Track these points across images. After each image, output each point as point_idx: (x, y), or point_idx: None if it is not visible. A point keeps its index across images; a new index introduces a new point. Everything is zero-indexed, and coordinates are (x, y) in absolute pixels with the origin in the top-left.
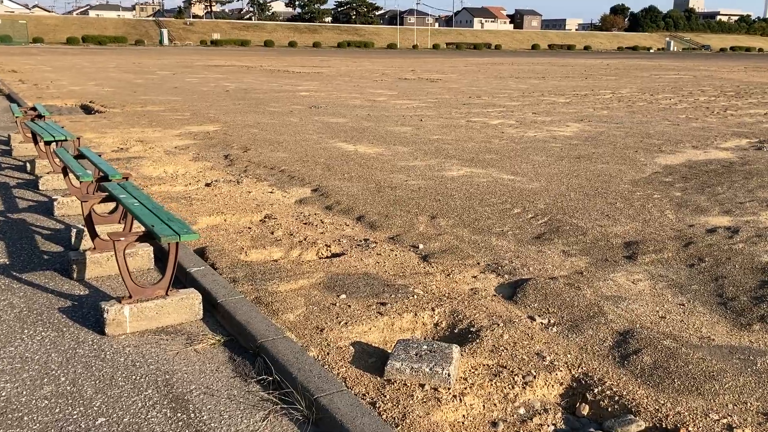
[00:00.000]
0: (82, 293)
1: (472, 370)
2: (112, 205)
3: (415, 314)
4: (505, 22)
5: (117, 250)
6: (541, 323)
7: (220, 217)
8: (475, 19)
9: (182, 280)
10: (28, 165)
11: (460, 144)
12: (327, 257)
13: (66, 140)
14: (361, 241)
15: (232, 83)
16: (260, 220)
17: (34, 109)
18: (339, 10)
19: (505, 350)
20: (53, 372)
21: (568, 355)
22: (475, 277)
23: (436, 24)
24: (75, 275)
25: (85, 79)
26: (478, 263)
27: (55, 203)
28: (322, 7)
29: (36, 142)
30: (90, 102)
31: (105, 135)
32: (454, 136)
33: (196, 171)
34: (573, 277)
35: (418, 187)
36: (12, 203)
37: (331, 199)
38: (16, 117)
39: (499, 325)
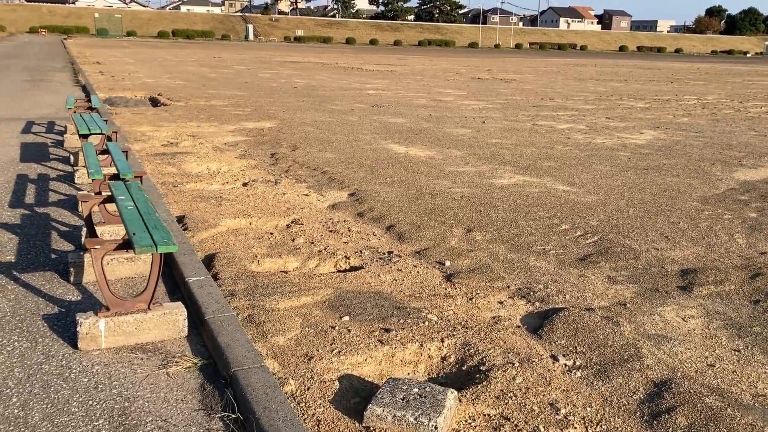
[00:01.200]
0: (72, 299)
1: (469, 422)
2: None
3: (421, 345)
4: (592, 23)
5: (94, 258)
6: (564, 365)
7: (246, 220)
8: (561, 19)
9: (181, 290)
10: (71, 157)
11: (519, 149)
12: (343, 271)
13: (101, 133)
14: (384, 253)
15: (302, 80)
16: (286, 225)
17: (88, 100)
18: (422, 8)
19: (513, 397)
20: (7, 391)
21: (588, 409)
22: (501, 302)
23: (521, 23)
24: (72, 278)
25: (162, 72)
26: (508, 286)
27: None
28: (405, 5)
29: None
30: (158, 94)
31: (160, 128)
32: (514, 141)
33: (238, 169)
34: (613, 309)
35: (460, 196)
36: (43, 196)
37: (365, 205)
38: (68, 108)
39: (514, 364)
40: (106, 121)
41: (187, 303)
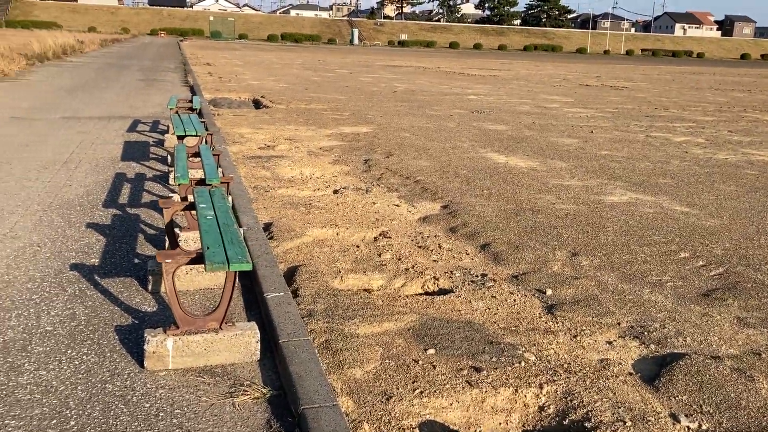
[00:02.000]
0: (147, 310)
1: None
2: None
3: (516, 390)
4: (711, 29)
5: (165, 272)
6: (687, 428)
7: (333, 230)
8: (677, 25)
9: (259, 305)
10: (169, 157)
11: (631, 163)
12: (431, 293)
13: (197, 135)
14: (477, 276)
15: (402, 84)
16: (373, 238)
17: (190, 101)
18: (529, 12)
19: None
20: (66, 413)
21: None
22: (610, 342)
23: (633, 29)
24: (150, 287)
25: (267, 74)
26: (619, 323)
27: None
28: (511, 9)
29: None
30: (261, 97)
31: (259, 131)
32: (626, 153)
33: (331, 175)
34: (745, 360)
35: (565, 213)
36: (136, 196)
37: (459, 219)
38: (170, 108)
39: (625, 422)
40: (203, 122)
41: (263, 321)
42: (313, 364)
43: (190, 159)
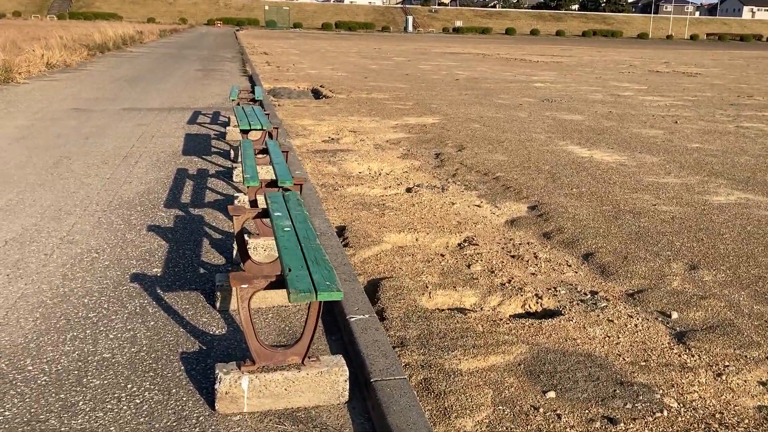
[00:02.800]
0: (216, 332)
1: None
2: None
3: None
4: None
5: (240, 298)
6: None
7: (412, 235)
8: (745, 8)
9: (340, 329)
10: (232, 152)
11: (730, 157)
12: (534, 314)
13: (262, 129)
14: (586, 293)
15: (463, 71)
16: (457, 245)
17: (252, 91)
18: None
19: None
20: None
21: None
22: (764, 383)
23: (697, 12)
24: (218, 304)
25: (324, 63)
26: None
27: (235, 202)
28: None
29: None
30: (321, 86)
31: (321, 123)
32: (719, 146)
33: (401, 171)
34: None
35: (671, 217)
36: (199, 195)
37: (552, 223)
38: (232, 99)
39: None
40: (267, 115)
41: (346, 348)
42: (414, 414)
43: (257, 156)
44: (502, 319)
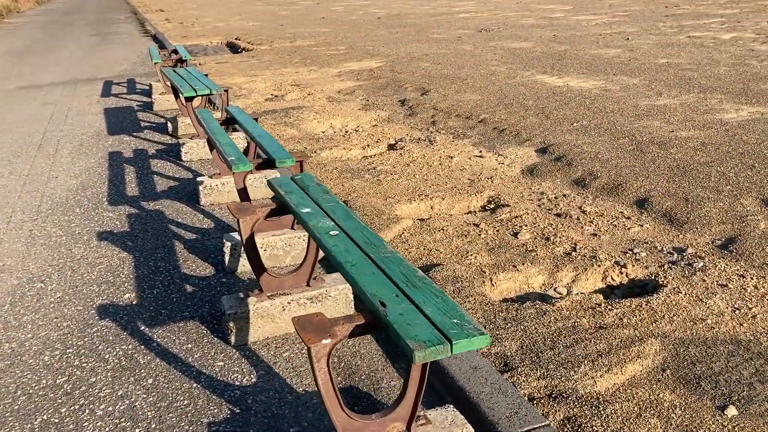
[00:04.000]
0: (246, 382)
1: None
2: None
3: None
4: None
5: (314, 356)
6: None
7: (425, 202)
8: None
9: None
10: (169, 125)
11: (708, 70)
12: (625, 287)
13: (211, 94)
14: (670, 252)
15: (381, 9)
16: (483, 207)
17: (175, 52)
18: None
19: None
20: None
21: None
22: None
23: None
24: (233, 338)
25: (230, 14)
26: None
27: (200, 188)
28: None
29: (176, 95)
30: (236, 39)
31: (255, 78)
32: (689, 59)
33: (370, 125)
34: None
35: (700, 143)
36: (148, 183)
37: (578, 167)
38: (155, 63)
39: None
40: (206, 75)
41: (433, 385)
42: None
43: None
44: (599, 304)
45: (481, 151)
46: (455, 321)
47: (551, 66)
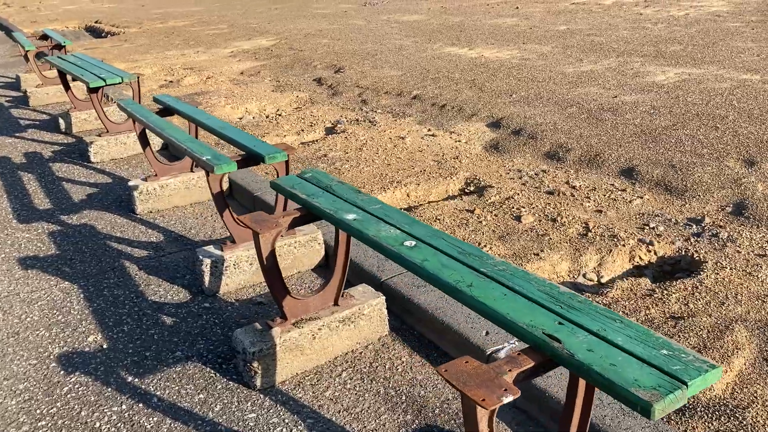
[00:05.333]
0: None
1: None
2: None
3: None
4: None
5: None
6: None
7: (400, 190)
8: None
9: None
10: (61, 121)
11: (609, 34)
12: (660, 267)
13: (122, 81)
14: (688, 224)
15: None
16: (463, 191)
17: (45, 37)
18: None
19: None
20: None
21: None
22: None
23: None
24: (258, 380)
25: None
26: None
27: (135, 193)
28: None
29: (67, 87)
30: (96, 22)
31: (138, 63)
32: (584, 25)
33: (292, 107)
34: None
35: (650, 106)
36: (60, 192)
37: (542, 140)
38: (27, 51)
39: None
40: (103, 60)
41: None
42: None
43: (134, 126)
44: (653, 290)
45: (430, 129)
46: (666, 353)
47: (456, 38)
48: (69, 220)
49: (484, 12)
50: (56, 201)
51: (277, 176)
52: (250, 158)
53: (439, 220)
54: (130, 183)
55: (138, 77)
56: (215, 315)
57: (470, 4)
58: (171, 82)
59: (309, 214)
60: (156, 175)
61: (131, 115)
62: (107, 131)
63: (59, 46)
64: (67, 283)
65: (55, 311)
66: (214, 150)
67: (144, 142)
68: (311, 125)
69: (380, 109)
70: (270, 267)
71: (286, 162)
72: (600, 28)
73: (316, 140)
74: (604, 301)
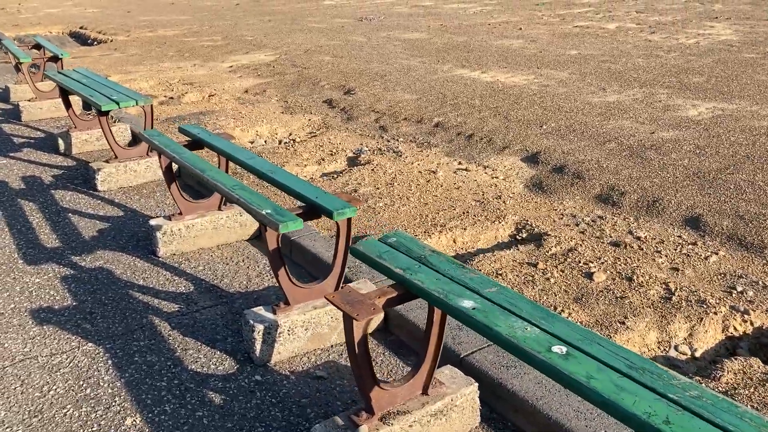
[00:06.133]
0: None
1: None
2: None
3: None
4: None
5: None
6: None
7: (445, 235)
8: None
9: None
10: (60, 142)
11: (624, 61)
12: (757, 340)
13: (137, 104)
14: None
15: None
16: (514, 237)
17: (38, 46)
18: None
19: None
20: None
21: None
22: None
23: None
24: None
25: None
26: None
27: (158, 234)
28: None
29: (68, 105)
30: (81, 28)
31: (131, 76)
32: (595, 50)
33: (306, 132)
34: None
35: (694, 145)
36: (67, 224)
37: (590, 180)
38: (22, 62)
39: None
40: (107, 77)
41: None
42: None
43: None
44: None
45: (461, 163)
46: None
47: (465, 59)
48: (82, 261)
49: (487, 32)
50: (65, 238)
51: (338, 232)
52: (312, 211)
53: (500, 275)
54: (152, 222)
55: (151, 103)
56: (270, 392)
57: (470, 24)
58: (171, 98)
59: (407, 293)
60: (180, 213)
61: (159, 149)
62: (115, 157)
63: (55, 58)
64: (90, 344)
65: (81, 382)
66: (274, 203)
67: (170, 177)
68: (331, 154)
69: (402, 137)
70: (361, 355)
71: (349, 221)
72: (612, 54)
73: (340, 172)
74: (719, 387)
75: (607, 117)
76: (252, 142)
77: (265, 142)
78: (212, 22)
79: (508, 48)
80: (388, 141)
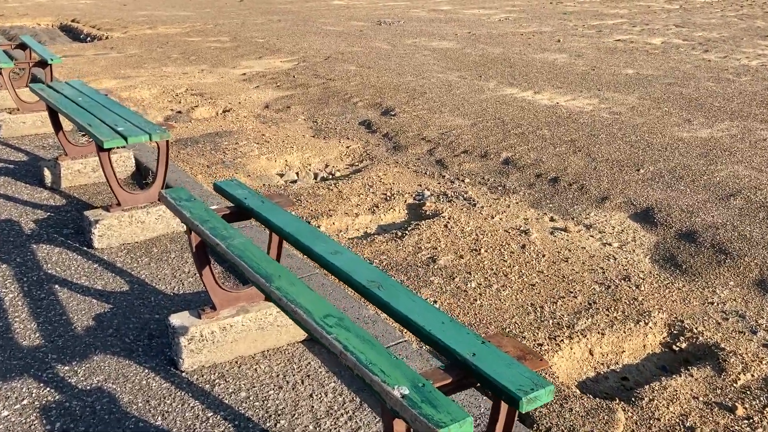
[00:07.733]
0: None
1: None
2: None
3: None
4: None
5: None
6: None
7: (578, 344)
8: None
9: None
10: (46, 172)
11: (691, 84)
12: None
13: (150, 139)
14: None
15: None
16: (668, 346)
17: (23, 46)
18: None
19: None
20: None
21: None
22: None
23: None
24: None
25: None
26: None
27: (183, 341)
28: None
29: (57, 127)
30: (73, 21)
31: (130, 82)
32: (652, 69)
33: (345, 164)
34: None
35: None
36: (54, 310)
37: (735, 257)
38: (2, 68)
39: None
40: (107, 94)
41: None
42: None
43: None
44: None
45: (553, 218)
46: None
47: (510, 75)
48: (71, 375)
49: (523, 43)
50: (47, 331)
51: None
52: (467, 379)
53: (691, 429)
54: (173, 322)
55: (167, 141)
56: None
57: (500, 33)
58: (179, 113)
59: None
60: (214, 308)
61: (191, 225)
62: (118, 204)
63: (44, 63)
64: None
65: None
66: (410, 369)
67: (202, 259)
68: (386, 199)
69: (467, 177)
70: None
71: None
72: (675, 76)
73: (399, 224)
74: None
75: (712, 160)
76: (281, 175)
77: (297, 175)
78: (217, 20)
79: (553, 63)
80: (452, 182)
